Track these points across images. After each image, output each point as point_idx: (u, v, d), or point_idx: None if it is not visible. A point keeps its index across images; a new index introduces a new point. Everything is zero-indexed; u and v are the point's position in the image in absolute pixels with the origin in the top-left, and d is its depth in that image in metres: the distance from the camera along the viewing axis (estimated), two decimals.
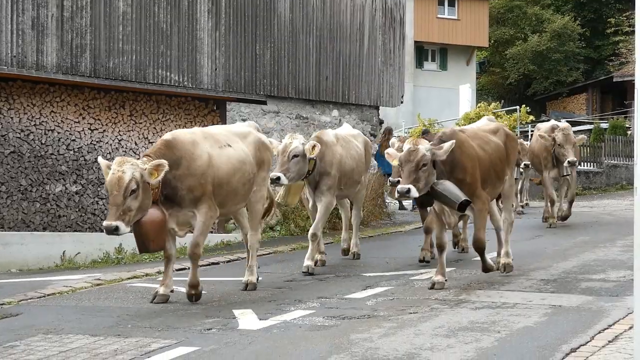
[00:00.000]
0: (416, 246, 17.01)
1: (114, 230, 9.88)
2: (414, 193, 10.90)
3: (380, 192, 23.59)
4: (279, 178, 12.95)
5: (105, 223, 9.98)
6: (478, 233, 11.99)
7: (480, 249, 12.15)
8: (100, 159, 10.66)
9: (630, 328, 8.61)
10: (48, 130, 17.31)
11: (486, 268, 12.52)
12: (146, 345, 8.56)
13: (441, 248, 11.92)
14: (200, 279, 13.19)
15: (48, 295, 12.08)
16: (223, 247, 18.00)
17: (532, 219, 22.95)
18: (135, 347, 8.51)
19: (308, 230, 19.72)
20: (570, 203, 20.82)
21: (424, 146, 11.11)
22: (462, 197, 11.22)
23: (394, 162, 11.74)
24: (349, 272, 13.93)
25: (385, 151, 12.20)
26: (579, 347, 8.19)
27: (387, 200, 24.98)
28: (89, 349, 8.45)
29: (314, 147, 13.31)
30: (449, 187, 11.26)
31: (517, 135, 28.74)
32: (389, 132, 26.44)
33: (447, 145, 11.14)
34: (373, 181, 22.48)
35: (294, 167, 13.25)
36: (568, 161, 19.08)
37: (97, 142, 17.87)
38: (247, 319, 9.87)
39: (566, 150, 19.16)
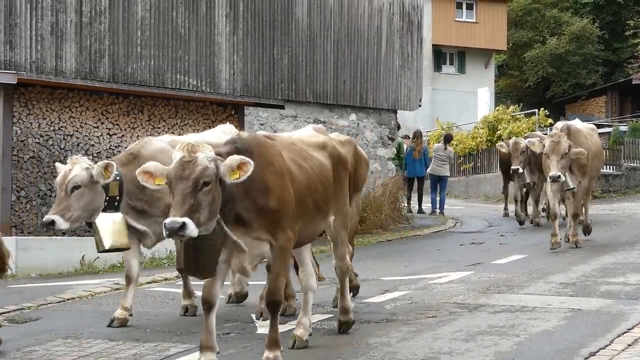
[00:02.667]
0: (435, 250, 17.03)
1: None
2: (191, 231, 6.83)
3: (399, 195, 23.58)
4: (53, 222, 9.64)
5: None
6: (273, 284, 7.96)
7: (275, 305, 7.99)
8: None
9: None
10: (67, 136, 17.36)
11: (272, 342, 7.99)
12: (165, 350, 8.58)
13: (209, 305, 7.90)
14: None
15: (67, 299, 12.13)
16: None
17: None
18: (154, 351, 8.53)
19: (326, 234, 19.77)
20: (574, 217, 16.99)
21: (205, 154, 7.13)
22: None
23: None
24: (367, 276, 13.91)
25: None
26: (598, 351, 8.16)
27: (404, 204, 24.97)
28: (108, 354, 8.47)
29: (106, 167, 9.68)
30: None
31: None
32: (419, 135, 26.49)
33: (247, 174, 7.16)
34: (391, 185, 22.50)
35: (76, 204, 9.74)
36: (550, 175, 15.60)
37: (115, 147, 17.91)
38: (265, 324, 9.85)
39: (551, 161, 15.54)
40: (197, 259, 7.27)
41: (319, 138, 9.13)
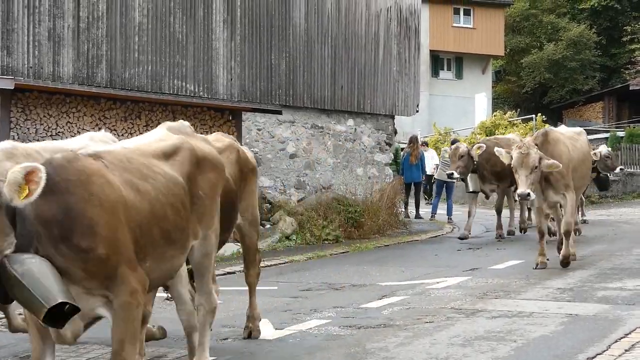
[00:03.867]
0: (432, 255, 17.04)
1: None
2: None
3: (396, 201, 23.57)
4: None
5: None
6: (117, 350, 5.81)
7: None
8: None
9: None
10: None
11: None
12: (162, 355, 8.57)
13: None
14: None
15: None
16: (239, 257, 17.99)
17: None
18: (151, 356, 8.52)
19: (324, 240, 19.82)
20: (566, 235, 14.62)
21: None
22: (59, 296, 5.23)
23: None
24: (364, 281, 13.93)
25: None
26: (595, 357, 8.17)
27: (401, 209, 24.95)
28: (105, 359, 8.46)
29: None
30: (36, 273, 5.23)
31: None
32: (416, 140, 26.41)
33: (41, 185, 5.29)
34: (389, 190, 22.52)
35: None
36: (517, 194, 13.83)
37: None
38: (263, 329, 9.85)
39: (519, 177, 13.59)
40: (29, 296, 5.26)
41: (168, 142, 6.99)
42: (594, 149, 22.47)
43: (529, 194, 13.42)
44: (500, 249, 18.22)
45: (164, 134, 7.22)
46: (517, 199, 14.70)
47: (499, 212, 20.49)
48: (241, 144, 19.58)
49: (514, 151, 13.64)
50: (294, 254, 18.05)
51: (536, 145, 13.69)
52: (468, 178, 19.75)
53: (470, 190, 20.11)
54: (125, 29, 18.55)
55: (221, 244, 7.89)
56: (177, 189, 6.54)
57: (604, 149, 22.71)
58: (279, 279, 14.55)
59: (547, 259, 14.64)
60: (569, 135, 15.34)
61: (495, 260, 16.08)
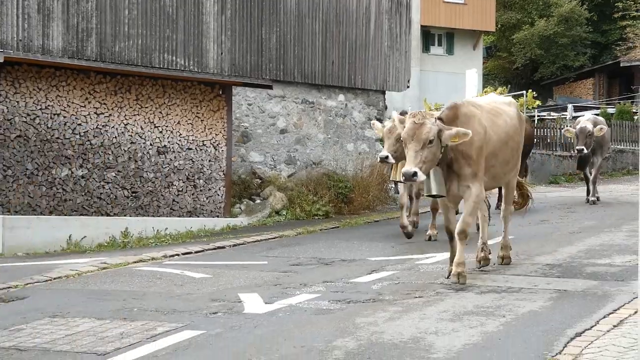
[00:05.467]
0: (422, 230, 17.04)
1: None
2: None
3: (386, 176, 23.57)
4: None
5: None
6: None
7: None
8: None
9: (635, 312, 8.62)
10: (54, 115, 17.31)
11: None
12: (152, 329, 8.58)
13: None
14: (206, 263, 13.26)
15: (54, 278, 12.12)
16: (229, 231, 18.03)
17: (538, 204, 22.93)
18: (141, 330, 8.53)
19: (314, 215, 19.91)
20: (460, 236, 11.28)
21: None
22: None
23: None
24: (354, 256, 13.94)
25: None
26: (583, 332, 8.20)
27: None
28: (95, 332, 8.47)
29: None
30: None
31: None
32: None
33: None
34: (379, 166, 22.51)
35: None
36: (402, 172, 10.48)
37: (103, 126, 17.87)
38: (252, 303, 9.88)
39: (407, 151, 10.59)
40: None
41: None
42: (574, 126, 22.54)
43: (415, 174, 10.13)
44: (490, 225, 18.22)
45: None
46: (401, 179, 10.90)
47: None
48: (231, 119, 19.65)
49: (407, 120, 10.80)
50: (284, 229, 18.06)
51: (440, 119, 10.74)
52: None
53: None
54: (115, 2, 18.45)
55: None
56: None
57: (586, 123, 22.30)
58: (269, 253, 14.57)
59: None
60: (490, 109, 11.90)
61: None
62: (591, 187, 22.81)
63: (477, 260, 12.31)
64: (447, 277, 11.23)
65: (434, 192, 11.04)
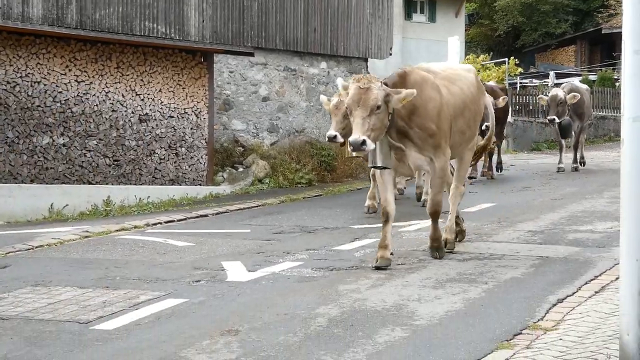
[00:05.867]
0: (405, 198, 17.07)
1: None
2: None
3: None
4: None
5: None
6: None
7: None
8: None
9: (617, 279, 8.64)
10: (34, 83, 17.20)
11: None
12: (134, 297, 8.57)
13: None
14: (188, 231, 13.26)
15: (36, 247, 12.08)
16: (212, 200, 18.00)
17: (520, 171, 23.01)
18: (123, 299, 8.52)
19: (297, 183, 19.91)
20: (432, 216, 10.71)
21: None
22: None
23: None
24: (337, 224, 13.95)
25: None
26: (565, 298, 8.24)
27: None
28: (77, 301, 8.45)
29: None
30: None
31: (506, 87, 28.60)
32: None
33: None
34: None
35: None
36: (349, 141, 9.45)
37: (84, 94, 17.77)
38: (235, 271, 9.88)
39: (354, 119, 9.59)
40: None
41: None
42: (548, 93, 22.25)
43: (364, 142, 9.17)
44: (472, 192, 18.26)
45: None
46: (350, 149, 9.67)
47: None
48: (213, 87, 19.56)
49: (351, 85, 9.77)
50: (267, 197, 18.04)
51: (386, 84, 9.78)
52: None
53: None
54: None
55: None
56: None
57: (557, 91, 21.83)
58: (252, 222, 14.57)
59: (392, 254, 10.34)
60: (445, 75, 10.89)
61: (467, 204, 16.10)
62: (578, 154, 22.80)
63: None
64: (375, 263, 9.96)
65: (379, 164, 10.13)
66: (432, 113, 10.01)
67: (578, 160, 22.88)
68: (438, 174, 10.27)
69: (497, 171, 21.63)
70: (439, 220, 10.60)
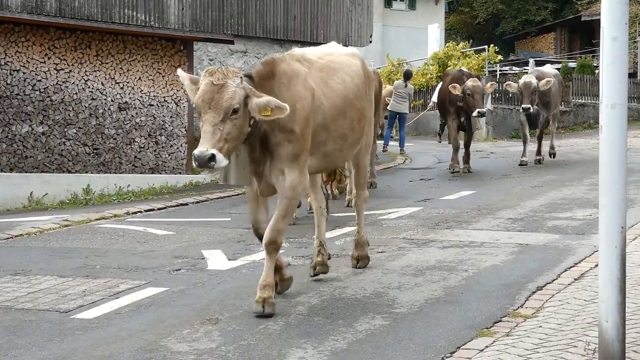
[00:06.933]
0: (385, 186, 17.09)
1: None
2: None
3: None
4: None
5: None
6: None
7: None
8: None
9: (596, 266, 8.67)
10: (13, 71, 17.12)
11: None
12: (115, 286, 8.55)
13: None
14: (169, 219, 13.23)
15: (15, 236, 12.04)
16: (192, 188, 17.96)
17: (500, 159, 23.06)
18: (104, 288, 8.51)
19: None
20: (267, 249, 7.83)
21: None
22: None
23: None
24: None
25: None
26: (545, 285, 8.27)
27: None
28: (57, 290, 8.43)
29: None
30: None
31: (485, 75, 28.59)
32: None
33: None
34: None
35: None
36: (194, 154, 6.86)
37: (63, 82, 17.70)
38: (215, 260, 9.88)
39: (204, 122, 7.18)
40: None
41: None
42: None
43: (212, 158, 6.82)
44: (452, 180, 18.32)
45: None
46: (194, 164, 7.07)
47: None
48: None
49: (202, 79, 7.24)
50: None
51: (248, 77, 7.47)
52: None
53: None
54: None
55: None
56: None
57: (530, 77, 20.21)
58: (232, 210, 14.55)
59: (328, 260, 9.01)
60: (324, 65, 8.51)
61: (447, 191, 16.17)
62: (543, 146, 21.29)
63: (311, 266, 8.93)
64: (255, 307, 7.50)
65: (231, 181, 7.89)
66: (299, 115, 7.69)
67: (542, 152, 21.24)
68: (287, 193, 7.72)
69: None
70: (280, 252, 8.00)
